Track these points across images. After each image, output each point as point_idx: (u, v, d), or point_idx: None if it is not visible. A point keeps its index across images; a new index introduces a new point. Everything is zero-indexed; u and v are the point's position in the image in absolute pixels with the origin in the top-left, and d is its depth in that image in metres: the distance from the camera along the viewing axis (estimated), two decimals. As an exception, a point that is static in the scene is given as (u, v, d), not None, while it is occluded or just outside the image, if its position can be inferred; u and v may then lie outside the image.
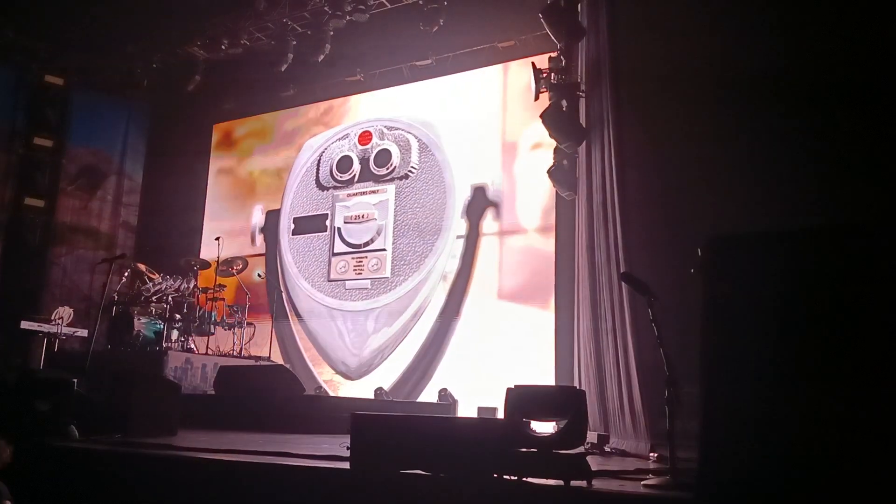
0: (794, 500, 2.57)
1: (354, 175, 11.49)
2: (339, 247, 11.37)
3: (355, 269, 11.13)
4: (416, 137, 11.08)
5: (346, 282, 11.16)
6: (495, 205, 10.18)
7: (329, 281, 11.32)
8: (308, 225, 11.80)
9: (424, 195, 10.80)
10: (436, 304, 10.32)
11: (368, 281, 10.94)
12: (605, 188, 6.25)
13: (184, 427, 5.81)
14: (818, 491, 2.52)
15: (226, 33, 11.21)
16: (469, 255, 10.24)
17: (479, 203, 10.30)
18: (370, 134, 11.54)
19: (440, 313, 10.26)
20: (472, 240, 10.27)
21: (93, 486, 4.25)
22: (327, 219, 11.59)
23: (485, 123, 10.49)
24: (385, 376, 10.20)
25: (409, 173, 10.98)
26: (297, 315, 11.42)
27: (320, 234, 11.60)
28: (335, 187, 11.65)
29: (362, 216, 11.25)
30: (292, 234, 11.96)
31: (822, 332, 2.65)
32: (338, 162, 11.70)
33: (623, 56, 6.27)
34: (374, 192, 11.25)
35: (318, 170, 11.94)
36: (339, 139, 11.90)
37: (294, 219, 12.01)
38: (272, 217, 12.26)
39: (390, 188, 11.09)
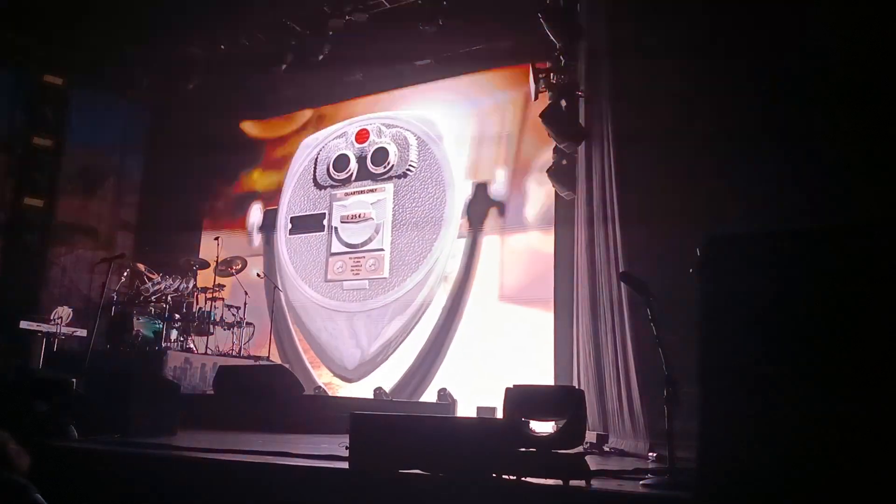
0: (793, 500, 2.57)
1: (351, 174, 11.44)
2: (337, 247, 11.30)
3: (353, 270, 11.06)
4: (415, 135, 11.03)
5: (344, 282, 11.10)
6: (495, 204, 10.17)
7: (326, 281, 11.26)
8: (305, 224, 11.76)
9: (423, 194, 10.75)
10: (435, 304, 10.29)
11: (366, 281, 10.89)
12: (604, 188, 6.26)
13: (183, 427, 5.81)
14: (817, 491, 2.52)
15: (225, 33, 11.21)
16: (469, 255, 10.22)
17: (479, 202, 10.29)
18: (367, 132, 11.49)
19: (440, 314, 10.21)
20: (472, 239, 10.25)
21: (92, 487, 4.25)
22: (325, 218, 11.54)
23: (484, 122, 10.47)
24: (385, 379, 10.14)
25: (408, 171, 10.94)
26: (296, 316, 11.39)
27: (318, 233, 11.55)
28: (332, 186, 11.60)
29: (359, 215, 11.20)
30: (289, 234, 11.92)
31: (820, 332, 2.65)
32: (334, 160, 11.65)
33: (622, 55, 6.26)
34: (371, 190, 11.19)
35: (315, 168, 11.90)
36: (336, 137, 11.85)
37: (291, 218, 11.97)
38: (270, 216, 12.25)
39: (388, 187, 11.04)
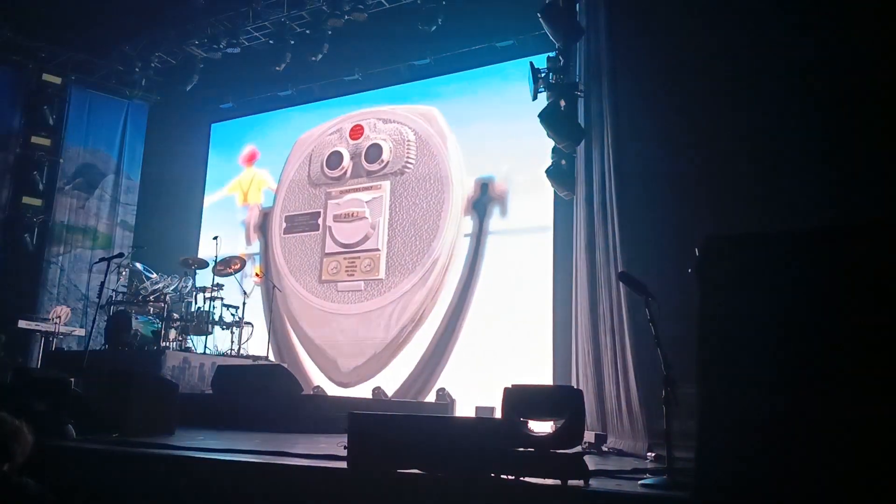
0: (791, 499, 2.57)
1: (345, 171, 11.27)
2: (331, 246, 11.12)
3: (347, 270, 10.86)
4: (413, 131, 10.86)
5: (338, 283, 10.91)
6: (494, 204, 10.12)
7: (320, 282, 11.09)
8: (300, 223, 11.63)
9: (422, 191, 10.57)
10: (432, 306, 10.17)
11: (361, 282, 10.75)
12: (603, 188, 6.25)
13: (181, 426, 5.81)
14: (815, 491, 2.52)
15: (224, 33, 11.21)
16: (465, 254, 10.14)
17: (478, 202, 10.22)
18: (362, 128, 11.32)
19: (442, 317, 10.04)
20: (469, 238, 10.18)
21: (90, 486, 4.24)
22: (319, 217, 11.42)
23: (483, 122, 10.39)
24: (383, 384, 9.96)
25: (406, 169, 10.80)
26: (291, 317, 11.25)
27: (312, 232, 11.42)
28: (326, 184, 11.47)
29: (352, 214, 11.01)
30: (284, 233, 11.80)
31: (819, 332, 2.65)
32: (327, 158, 11.50)
33: (621, 56, 6.26)
34: (367, 188, 11.02)
35: (309, 166, 11.77)
36: (331, 134, 11.72)
37: (286, 217, 11.86)
38: (267, 215, 12.20)
39: (385, 184, 10.87)
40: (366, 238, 10.85)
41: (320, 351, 10.85)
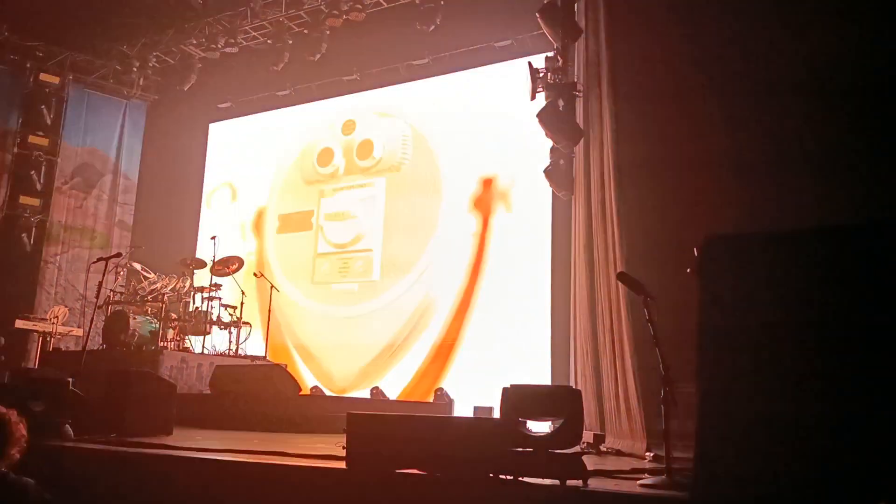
0: (791, 500, 2.57)
1: (338, 168, 11.14)
2: (323, 246, 10.99)
3: (340, 271, 10.69)
4: (410, 126, 10.72)
5: (332, 284, 10.73)
6: (497, 201, 10.06)
7: (313, 283, 10.97)
8: (293, 222, 11.54)
9: (418, 188, 10.41)
10: (433, 308, 10.09)
11: (356, 284, 10.59)
12: (602, 188, 6.25)
13: (179, 426, 5.80)
14: (814, 491, 2.52)
15: (222, 32, 11.20)
16: (467, 254, 10.11)
17: (481, 199, 10.15)
18: (354, 123, 11.18)
19: (442, 320, 9.92)
20: (467, 238, 10.14)
21: (88, 486, 4.23)
22: (312, 216, 11.30)
23: (481, 121, 10.36)
24: (384, 389, 9.82)
25: (401, 165, 10.62)
26: (287, 319, 11.13)
27: (305, 232, 11.30)
28: (320, 182, 11.35)
29: (344, 213, 10.87)
30: (277, 233, 11.71)
31: (818, 332, 2.65)
32: (319, 154, 11.37)
33: (620, 55, 6.26)
34: (361, 186, 10.85)
35: (302, 163, 11.62)
36: (324, 130, 11.58)
37: (279, 216, 11.78)
38: (263, 213, 12.13)
39: (380, 181, 10.70)
40: (358, 238, 10.68)
41: (315, 356, 10.69)
